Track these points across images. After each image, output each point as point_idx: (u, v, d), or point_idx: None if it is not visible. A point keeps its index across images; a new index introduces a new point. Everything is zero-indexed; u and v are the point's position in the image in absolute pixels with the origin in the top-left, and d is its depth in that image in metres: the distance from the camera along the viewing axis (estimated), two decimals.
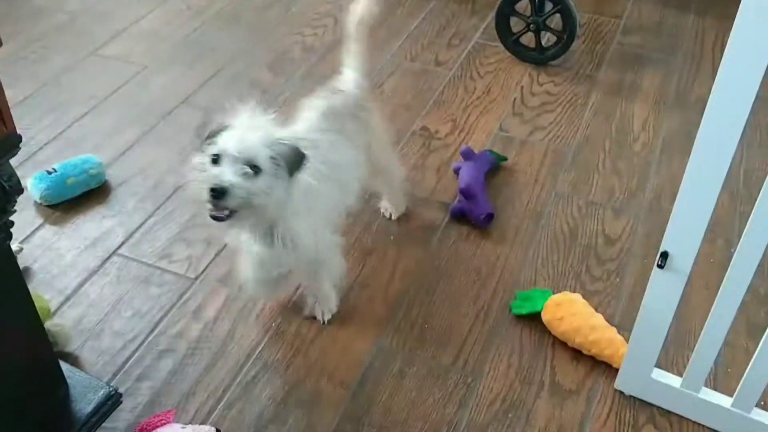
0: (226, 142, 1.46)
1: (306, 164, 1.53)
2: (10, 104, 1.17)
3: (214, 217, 1.47)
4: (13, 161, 1.24)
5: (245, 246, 1.68)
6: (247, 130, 1.47)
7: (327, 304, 1.83)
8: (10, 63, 2.68)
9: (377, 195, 2.12)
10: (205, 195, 1.44)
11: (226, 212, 1.46)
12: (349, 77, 1.87)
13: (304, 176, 1.56)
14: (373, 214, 2.12)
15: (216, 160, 1.46)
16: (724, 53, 1.15)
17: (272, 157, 1.47)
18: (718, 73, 1.17)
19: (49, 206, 2.12)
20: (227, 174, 1.43)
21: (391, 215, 2.10)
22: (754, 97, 1.17)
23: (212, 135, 1.49)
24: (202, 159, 1.49)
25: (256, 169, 1.45)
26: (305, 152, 1.52)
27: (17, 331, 1.36)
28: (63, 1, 3.11)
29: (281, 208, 1.54)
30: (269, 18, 3.04)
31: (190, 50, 2.85)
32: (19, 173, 1.28)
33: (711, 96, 1.20)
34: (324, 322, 1.83)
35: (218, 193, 1.42)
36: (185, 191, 1.53)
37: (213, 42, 2.89)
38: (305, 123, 1.72)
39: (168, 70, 2.72)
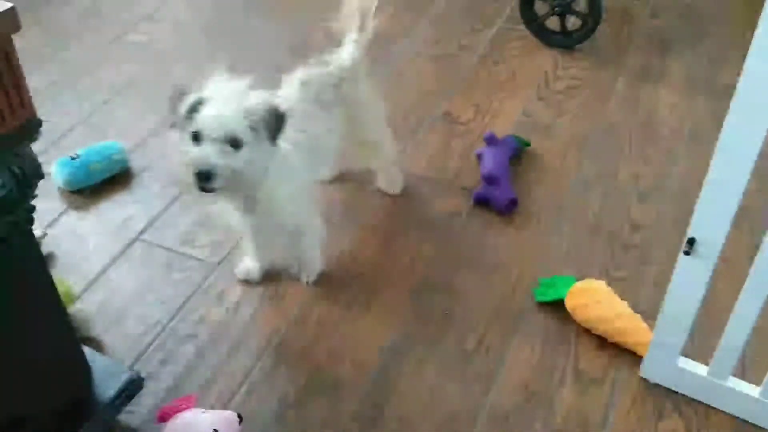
0: (204, 120, 1.45)
1: (286, 123, 1.53)
2: (34, 91, 1.18)
3: (204, 189, 1.47)
4: (36, 147, 1.25)
5: (227, 214, 1.70)
6: (223, 103, 1.46)
7: (311, 268, 1.87)
8: (35, 49, 2.69)
9: (372, 173, 2.12)
10: (191, 178, 1.44)
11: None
12: (346, 48, 1.87)
13: (281, 143, 1.56)
14: (395, 200, 2.11)
15: (196, 136, 1.46)
16: (754, 37, 1.12)
17: (251, 126, 1.47)
18: (747, 57, 1.15)
19: (72, 192, 2.13)
20: (211, 155, 1.44)
21: (393, 191, 2.11)
22: None
23: (189, 111, 1.48)
24: (180, 137, 1.49)
25: (237, 143, 1.46)
26: (283, 112, 1.52)
27: (41, 316, 1.37)
28: None
29: (263, 175, 1.55)
30: (292, 3, 3.03)
31: (213, 35, 2.85)
32: (42, 159, 1.29)
33: (740, 81, 1.17)
34: (308, 283, 1.86)
35: (204, 176, 1.43)
36: (171, 171, 1.54)
37: (236, 27, 2.89)
38: (283, 92, 1.73)
39: (191, 56, 2.72)
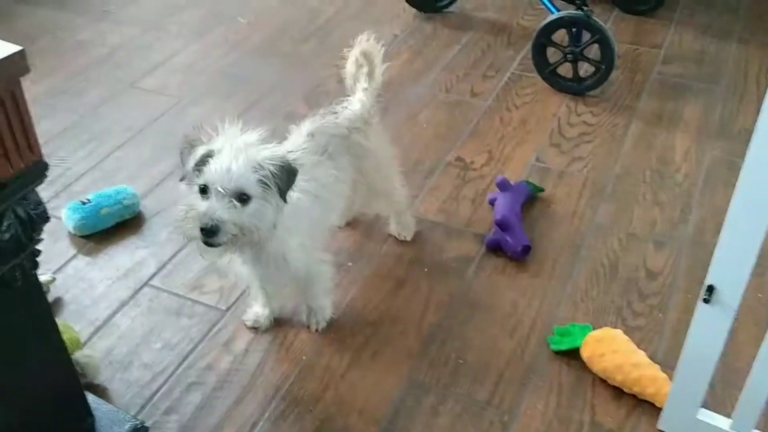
0: (212, 174, 1.42)
1: (297, 179, 1.51)
2: (49, 136, 1.18)
3: (209, 244, 1.45)
4: (49, 192, 1.24)
5: (235, 263, 1.67)
6: (233, 157, 1.43)
7: (321, 314, 1.84)
8: (51, 95, 2.71)
9: (384, 218, 2.11)
10: (197, 233, 1.42)
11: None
12: (357, 97, 1.86)
13: (291, 192, 1.54)
14: (405, 246, 2.08)
15: (204, 189, 1.44)
16: None
17: (261, 180, 1.45)
18: (764, 102, 1.13)
19: (82, 237, 2.11)
20: (217, 210, 1.41)
21: (405, 237, 2.09)
22: None
23: (198, 163, 1.46)
24: (188, 189, 1.47)
25: (245, 198, 1.44)
26: (295, 166, 1.50)
27: (43, 362, 1.35)
28: (104, 35, 3.16)
29: (271, 229, 1.52)
30: (305, 51, 3.05)
31: (226, 83, 2.87)
32: (55, 204, 1.28)
33: (757, 125, 1.16)
34: (317, 331, 1.83)
35: (210, 232, 1.41)
36: (175, 224, 1.52)
37: (249, 74, 2.91)
38: (290, 143, 1.71)
39: (204, 103, 2.74)
